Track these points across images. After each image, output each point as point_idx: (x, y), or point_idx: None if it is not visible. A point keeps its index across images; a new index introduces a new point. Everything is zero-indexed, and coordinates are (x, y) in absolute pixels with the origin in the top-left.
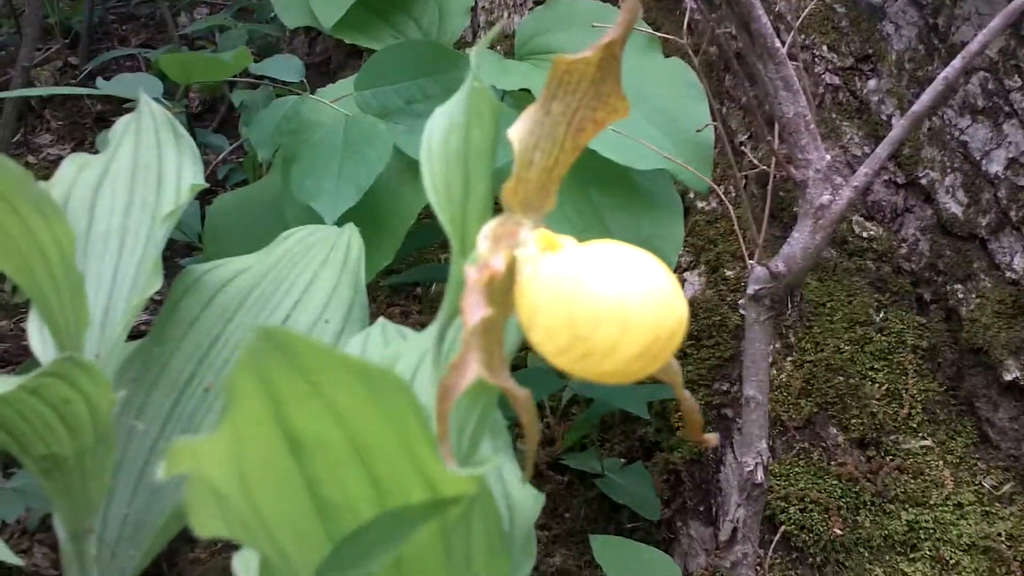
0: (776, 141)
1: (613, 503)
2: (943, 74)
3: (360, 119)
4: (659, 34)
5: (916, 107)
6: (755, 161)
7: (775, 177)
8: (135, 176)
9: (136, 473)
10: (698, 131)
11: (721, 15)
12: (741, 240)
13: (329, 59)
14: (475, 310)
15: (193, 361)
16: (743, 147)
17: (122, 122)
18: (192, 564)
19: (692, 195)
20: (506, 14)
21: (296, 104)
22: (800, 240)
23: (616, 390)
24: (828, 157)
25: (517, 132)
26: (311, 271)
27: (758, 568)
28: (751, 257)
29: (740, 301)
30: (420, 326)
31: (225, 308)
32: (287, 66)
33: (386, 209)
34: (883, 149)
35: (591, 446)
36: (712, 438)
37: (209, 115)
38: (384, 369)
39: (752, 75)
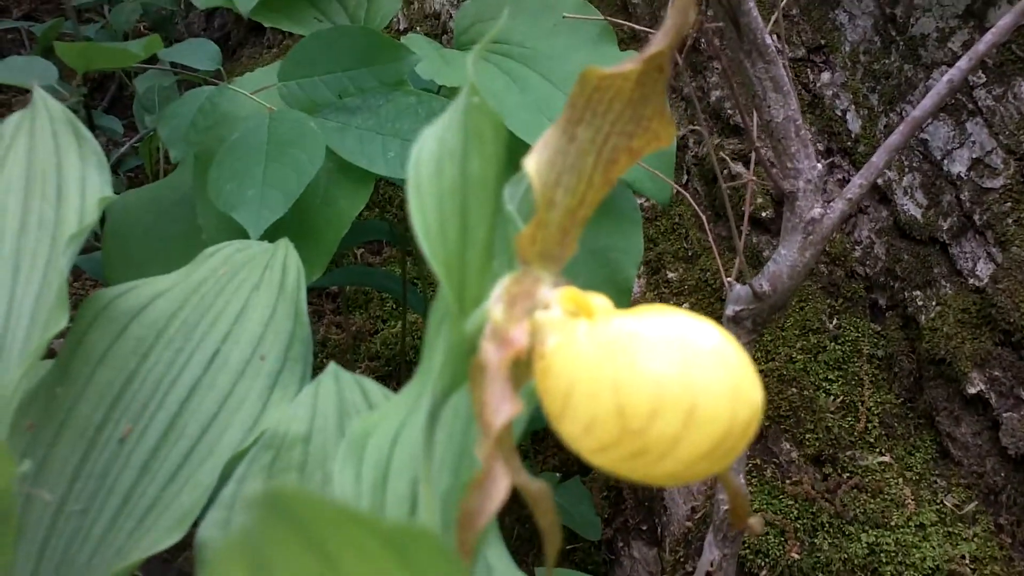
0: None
1: None
2: (947, 76)
3: (286, 114)
4: (615, 21)
5: (916, 112)
6: (698, 157)
7: (750, 185)
8: (30, 187)
9: (38, 544)
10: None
11: (704, 6)
12: (715, 250)
13: (228, 36)
14: (500, 405)
15: (104, 404)
16: (684, 141)
17: (12, 120)
18: None
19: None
20: None
21: (213, 96)
22: (787, 257)
23: None
24: (820, 166)
25: (535, 164)
26: (242, 296)
27: None
28: (727, 273)
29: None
30: (336, 327)
31: (140, 340)
32: (202, 52)
33: (317, 217)
34: (879, 157)
35: (523, 460)
36: (757, 524)
37: (98, 93)
38: (423, 532)
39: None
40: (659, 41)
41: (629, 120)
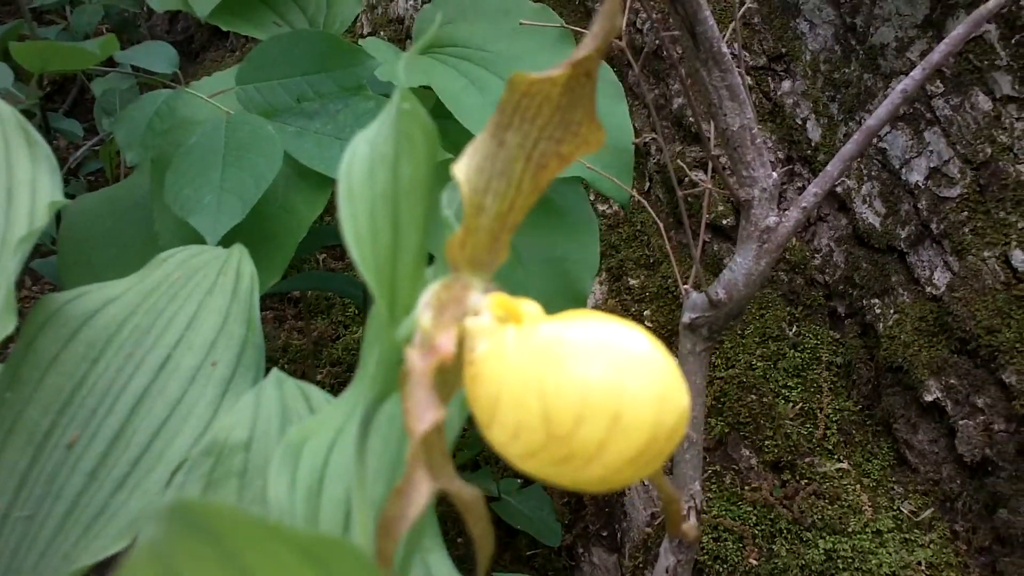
0: (712, 150)
1: (510, 528)
2: (901, 85)
3: (244, 119)
4: (574, 28)
5: (871, 121)
6: (661, 164)
7: (708, 193)
8: None
9: None
10: (634, 142)
11: (664, 15)
12: (673, 258)
13: (192, 38)
14: (424, 412)
15: (53, 410)
16: (647, 148)
17: None
18: None
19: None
20: None
21: (170, 99)
22: (743, 265)
23: None
24: (775, 175)
25: (464, 170)
26: (195, 301)
27: None
28: (685, 280)
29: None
30: (297, 332)
31: (91, 345)
32: (159, 54)
33: (275, 223)
34: (834, 166)
35: (486, 465)
36: (692, 529)
37: (59, 96)
38: (342, 543)
39: (684, 80)
40: (586, 46)
41: (558, 125)
